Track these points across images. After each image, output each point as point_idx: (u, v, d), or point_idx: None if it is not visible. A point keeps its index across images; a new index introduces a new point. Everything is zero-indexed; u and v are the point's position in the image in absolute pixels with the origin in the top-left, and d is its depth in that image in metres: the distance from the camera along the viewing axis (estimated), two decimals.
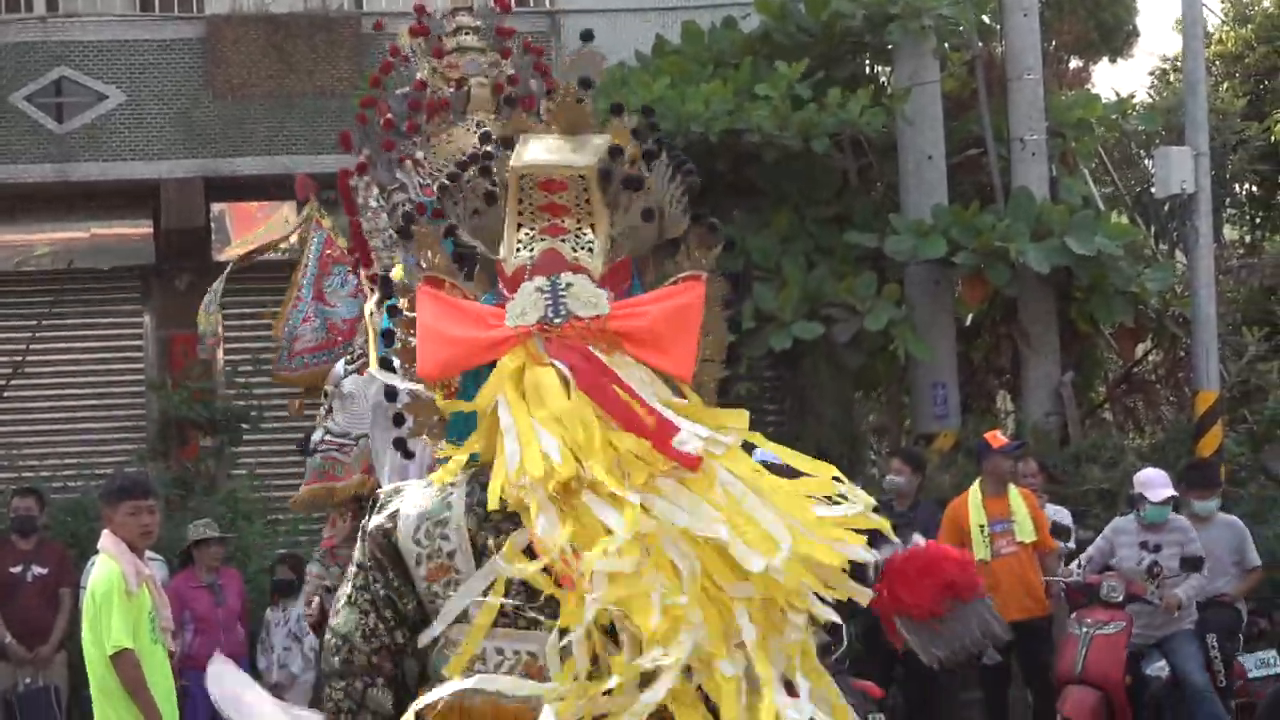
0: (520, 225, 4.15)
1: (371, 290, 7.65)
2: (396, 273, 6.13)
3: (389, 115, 7.03)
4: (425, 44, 7.27)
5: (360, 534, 4.19)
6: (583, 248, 4.13)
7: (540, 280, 4.08)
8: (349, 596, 4.15)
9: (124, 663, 8.59)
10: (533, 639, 3.96)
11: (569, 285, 4.07)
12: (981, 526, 12.76)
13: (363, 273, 7.52)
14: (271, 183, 16.44)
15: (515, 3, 16.57)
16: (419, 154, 6.90)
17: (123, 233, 17.40)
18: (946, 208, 15.43)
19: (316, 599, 8.06)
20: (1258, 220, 21.53)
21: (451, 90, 6.99)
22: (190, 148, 16.81)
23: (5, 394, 16.24)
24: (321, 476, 7.68)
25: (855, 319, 14.91)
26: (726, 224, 15.55)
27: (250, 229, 17.60)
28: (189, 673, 12.72)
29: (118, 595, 8.61)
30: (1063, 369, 16.00)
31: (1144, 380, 17.61)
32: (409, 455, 4.59)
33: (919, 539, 11.81)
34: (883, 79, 17.18)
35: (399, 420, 4.28)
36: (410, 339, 4.21)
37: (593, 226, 4.14)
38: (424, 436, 4.27)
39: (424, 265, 4.24)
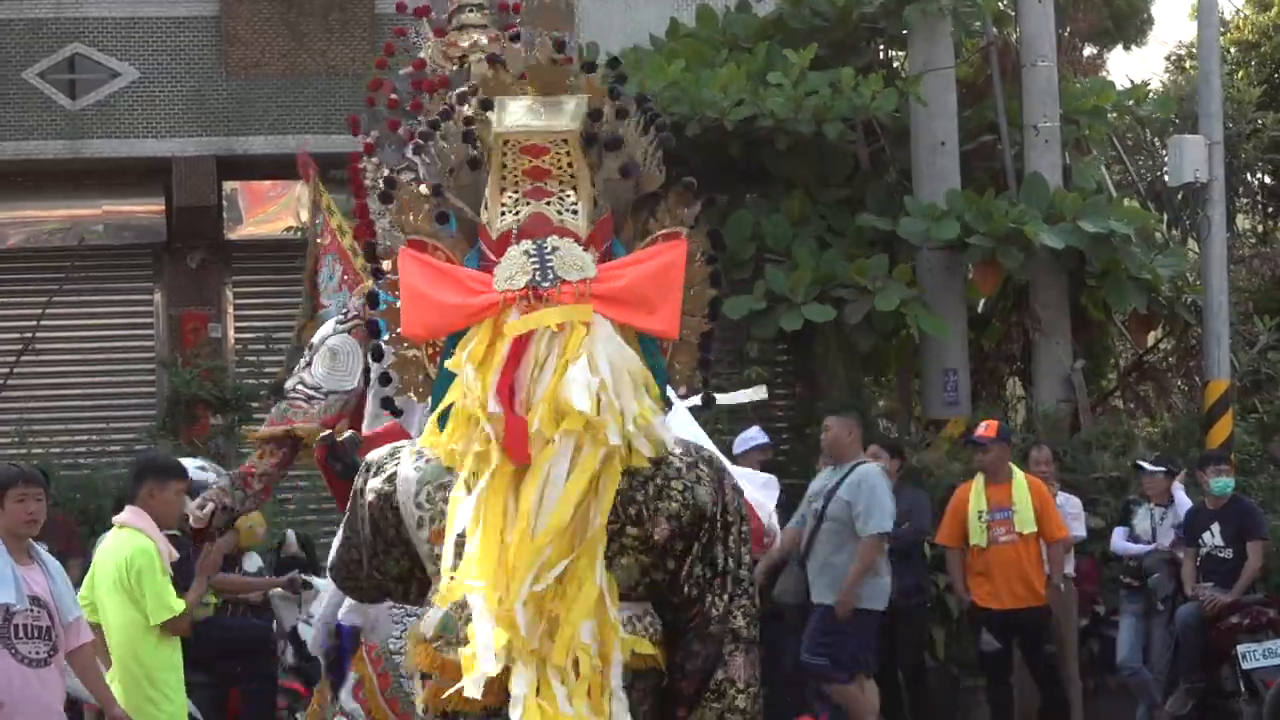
0: (504, 189, 4.12)
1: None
2: None
3: (393, 95, 7.03)
4: (429, 23, 7.27)
5: (352, 495, 4.25)
6: (567, 210, 4.10)
7: (527, 244, 4.05)
8: (346, 539, 4.31)
9: (178, 626, 8.75)
10: None
11: (555, 249, 4.03)
12: (980, 513, 12.78)
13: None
14: (284, 161, 16.45)
15: None
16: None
17: (134, 210, 17.41)
18: (960, 192, 15.42)
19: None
20: (1270, 210, 21.48)
21: (453, 69, 6.98)
22: (203, 126, 16.80)
23: (16, 371, 16.24)
24: (281, 419, 7.64)
25: (866, 299, 14.91)
26: (740, 208, 15.68)
27: (262, 208, 17.61)
28: None
29: (159, 567, 8.70)
30: (1074, 356, 15.99)
31: (1155, 368, 17.59)
32: (397, 413, 4.60)
33: None
34: (897, 65, 17.17)
35: (385, 379, 4.31)
36: (396, 301, 4.21)
37: (575, 189, 4.11)
38: (411, 395, 4.31)
39: (406, 228, 4.22)
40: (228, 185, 17.22)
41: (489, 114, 4.16)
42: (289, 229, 16.96)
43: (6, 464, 8.97)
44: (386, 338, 4.31)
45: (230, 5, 16.83)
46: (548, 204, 4.09)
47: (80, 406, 16.89)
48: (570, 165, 4.11)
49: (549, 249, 4.02)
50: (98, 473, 15.51)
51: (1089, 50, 20.54)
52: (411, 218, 4.21)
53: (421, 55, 7.18)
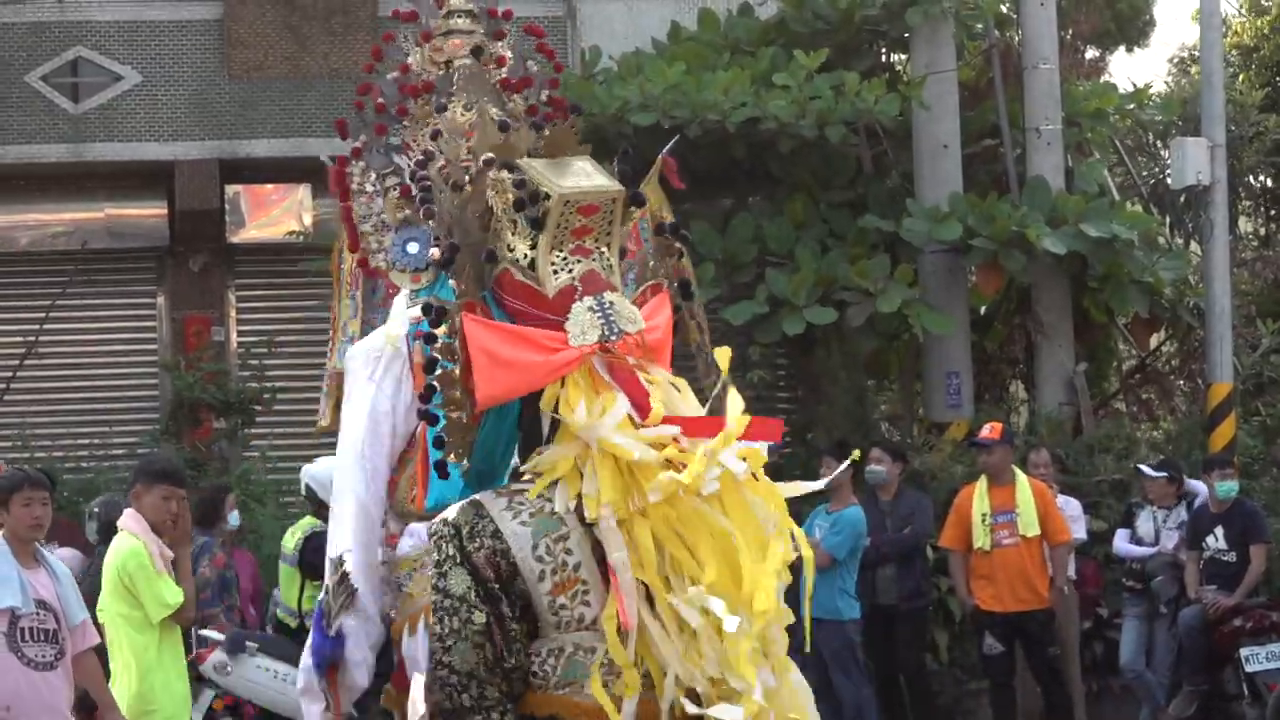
0: (553, 247, 4.35)
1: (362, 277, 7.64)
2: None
3: (380, 100, 7.03)
4: (416, 28, 7.27)
5: (448, 562, 4.25)
6: (606, 266, 4.40)
7: (589, 300, 4.33)
8: (457, 631, 4.18)
9: (183, 614, 8.77)
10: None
11: (612, 304, 4.35)
12: (984, 516, 12.79)
13: (353, 257, 7.50)
14: (287, 165, 16.46)
15: None
16: (409, 138, 6.91)
17: (137, 214, 17.39)
18: (962, 195, 15.43)
19: None
20: (1272, 212, 21.49)
21: (439, 73, 6.99)
22: (205, 129, 16.80)
23: (19, 374, 16.26)
24: None
25: (868, 302, 14.91)
26: (742, 211, 15.69)
27: (265, 211, 17.60)
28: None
29: (150, 567, 8.70)
30: (1076, 359, 15.99)
31: (1157, 371, 17.60)
32: (446, 476, 4.75)
33: None
34: (899, 68, 17.17)
35: (440, 444, 4.46)
36: (451, 364, 4.39)
37: (608, 245, 4.41)
38: (451, 456, 4.49)
39: (461, 292, 4.41)
40: (230, 189, 17.20)
41: (507, 172, 4.41)
42: (291, 233, 16.99)
43: (12, 468, 8.98)
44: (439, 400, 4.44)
45: (233, 8, 16.84)
46: (593, 260, 4.39)
47: (83, 410, 16.89)
48: (610, 224, 4.40)
49: (608, 303, 4.34)
50: (100, 476, 15.51)
51: (1091, 53, 20.55)
52: (462, 284, 4.41)
53: (409, 60, 7.18)
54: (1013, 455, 13.24)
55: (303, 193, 17.16)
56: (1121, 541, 13.65)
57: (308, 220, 17.11)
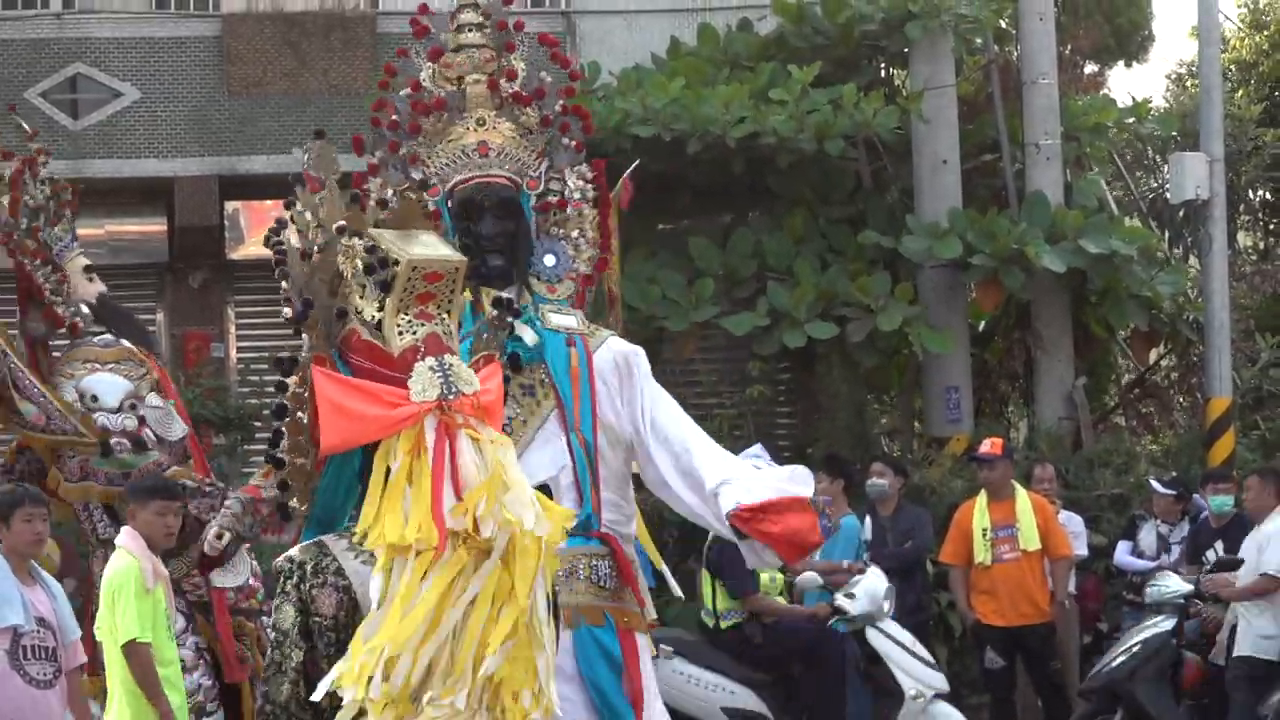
0: (399, 310, 4.70)
1: None
2: None
3: (394, 117, 7.08)
4: (426, 44, 7.30)
5: (281, 597, 4.63)
6: (446, 332, 4.76)
7: (431, 361, 4.66)
8: (277, 664, 4.62)
9: (135, 654, 8.63)
10: None
11: (452, 365, 4.67)
12: (984, 530, 12.80)
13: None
14: (286, 181, 16.45)
15: (530, 2, 16.69)
16: (422, 153, 6.94)
17: (137, 230, 17.40)
18: (961, 211, 15.43)
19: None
20: (1271, 227, 21.51)
21: (450, 89, 7.01)
22: (205, 145, 16.81)
23: None
24: None
25: (869, 318, 14.91)
26: (742, 225, 15.68)
27: (264, 227, 17.55)
28: None
29: (135, 588, 8.65)
30: (1076, 373, 15.99)
31: (1157, 385, 17.60)
32: (288, 518, 5.00)
33: None
34: (898, 83, 17.18)
35: (284, 486, 4.83)
36: (300, 414, 4.77)
37: (449, 313, 4.77)
38: (294, 501, 4.89)
39: (312, 346, 4.78)
40: (230, 205, 17.21)
41: (356, 239, 4.79)
42: None
43: (12, 484, 8.97)
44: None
45: (232, 25, 16.86)
46: (436, 325, 4.74)
47: None
48: (452, 291, 4.76)
49: (448, 365, 4.66)
50: None
51: (1090, 67, 20.57)
52: (317, 338, 4.76)
53: (420, 77, 7.21)
54: (1013, 470, 13.24)
55: None
56: (1123, 554, 13.64)
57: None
